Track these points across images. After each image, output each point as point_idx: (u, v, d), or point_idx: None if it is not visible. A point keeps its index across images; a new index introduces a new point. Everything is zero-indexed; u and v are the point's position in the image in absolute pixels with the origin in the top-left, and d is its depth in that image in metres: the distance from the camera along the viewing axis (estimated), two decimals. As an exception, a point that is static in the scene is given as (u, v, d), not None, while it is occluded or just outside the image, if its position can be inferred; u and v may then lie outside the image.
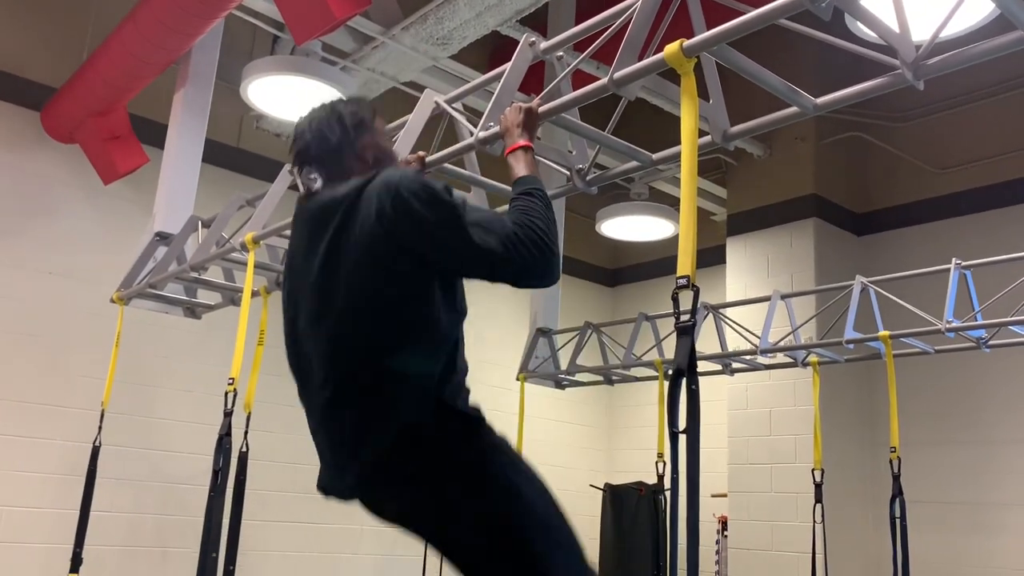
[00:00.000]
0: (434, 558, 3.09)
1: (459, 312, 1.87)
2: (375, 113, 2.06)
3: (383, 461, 1.75)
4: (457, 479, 1.72)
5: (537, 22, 5.13)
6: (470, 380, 1.87)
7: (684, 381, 1.72)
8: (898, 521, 3.78)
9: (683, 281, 1.78)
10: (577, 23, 2.86)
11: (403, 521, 1.85)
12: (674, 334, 1.81)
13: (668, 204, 6.63)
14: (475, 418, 1.79)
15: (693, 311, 1.77)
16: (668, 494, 1.75)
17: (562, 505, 1.79)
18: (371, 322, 1.78)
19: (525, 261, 1.76)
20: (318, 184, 1.95)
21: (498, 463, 1.76)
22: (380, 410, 1.75)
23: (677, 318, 1.79)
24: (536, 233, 1.78)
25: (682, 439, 1.69)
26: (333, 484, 1.88)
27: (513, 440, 1.85)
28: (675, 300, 1.79)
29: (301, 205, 1.99)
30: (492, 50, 6.21)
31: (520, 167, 2.03)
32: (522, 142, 2.10)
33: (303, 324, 1.91)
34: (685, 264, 1.81)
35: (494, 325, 6.71)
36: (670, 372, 1.77)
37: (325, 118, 1.98)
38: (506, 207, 1.92)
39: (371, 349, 1.78)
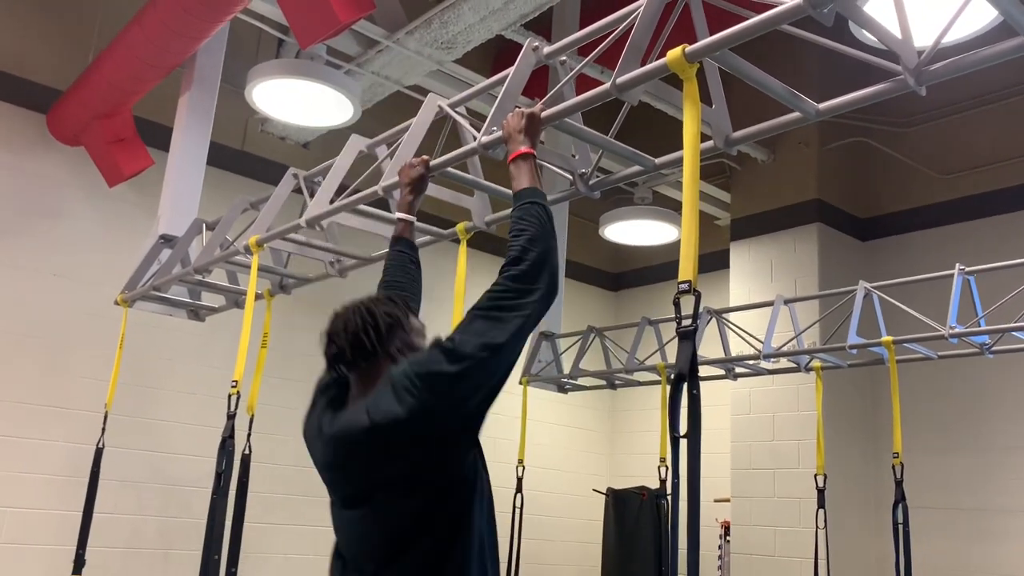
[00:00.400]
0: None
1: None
2: (408, 310, 2.05)
3: None
4: None
5: (541, 26, 5.13)
6: None
7: (685, 386, 1.72)
8: (900, 527, 3.77)
9: (684, 286, 1.78)
10: (581, 28, 2.86)
11: None
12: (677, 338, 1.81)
13: (671, 208, 6.62)
14: None
15: (694, 316, 1.76)
16: (669, 499, 1.75)
17: None
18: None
19: (539, 300, 1.85)
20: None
21: None
22: None
23: (678, 323, 1.79)
24: (528, 263, 1.85)
25: (683, 444, 1.69)
26: None
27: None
28: (676, 305, 1.79)
29: (331, 419, 1.96)
30: (496, 54, 6.22)
31: (521, 177, 2.02)
32: (524, 148, 2.09)
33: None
34: (687, 269, 1.81)
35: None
36: (671, 377, 1.77)
37: (360, 323, 1.95)
38: (508, 211, 1.93)
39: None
